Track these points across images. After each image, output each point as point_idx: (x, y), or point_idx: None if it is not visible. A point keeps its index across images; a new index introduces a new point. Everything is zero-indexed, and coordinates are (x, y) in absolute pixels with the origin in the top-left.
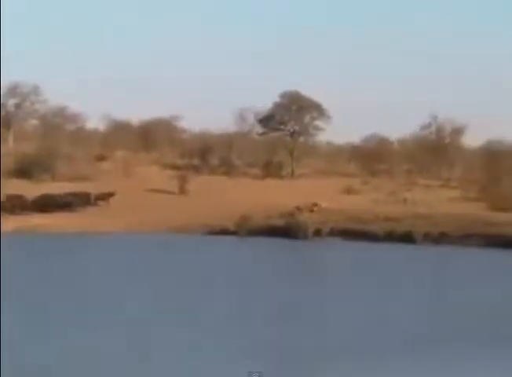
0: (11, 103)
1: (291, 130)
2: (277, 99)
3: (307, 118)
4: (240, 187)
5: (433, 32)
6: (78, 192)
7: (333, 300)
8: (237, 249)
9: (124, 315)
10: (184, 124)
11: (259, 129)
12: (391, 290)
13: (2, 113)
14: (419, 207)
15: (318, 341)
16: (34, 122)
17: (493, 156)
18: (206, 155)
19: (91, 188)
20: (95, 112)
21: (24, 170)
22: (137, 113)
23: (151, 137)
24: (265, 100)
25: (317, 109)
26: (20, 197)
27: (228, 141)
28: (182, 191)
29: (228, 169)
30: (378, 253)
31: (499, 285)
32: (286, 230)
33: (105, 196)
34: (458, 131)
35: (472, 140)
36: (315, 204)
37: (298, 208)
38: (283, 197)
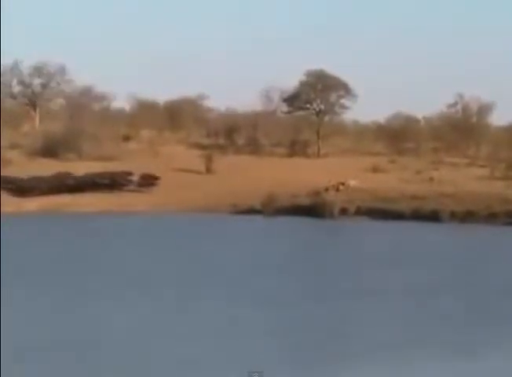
0: (37, 83)
1: (317, 109)
2: (303, 77)
3: (333, 97)
4: (266, 166)
5: (458, 8)
6: (109, 171)
7: (366, 277)
8: (264, 227)
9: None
10: (210, 103)
11: (285, 108)
12: (420, 267)
13: (29, 92)
14: (446, 186)
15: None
16: (60, 101)
17: None
18: (232, 134)
19: (117, 167)
20: (121, 92)
21: (51, 150)
22: (163, 92)
23: (177, 117)
24: (291, 79)
25: (343, 88)
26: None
27: (253, 120)
28: (209, 170)
29: (254, 148)
30: (404, 231)
31: None
32: (312, 209)
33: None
34: (484, 109)
35: (499, 118)
36: (342, 183)
37: (326, 189)
38: (309, 176)
